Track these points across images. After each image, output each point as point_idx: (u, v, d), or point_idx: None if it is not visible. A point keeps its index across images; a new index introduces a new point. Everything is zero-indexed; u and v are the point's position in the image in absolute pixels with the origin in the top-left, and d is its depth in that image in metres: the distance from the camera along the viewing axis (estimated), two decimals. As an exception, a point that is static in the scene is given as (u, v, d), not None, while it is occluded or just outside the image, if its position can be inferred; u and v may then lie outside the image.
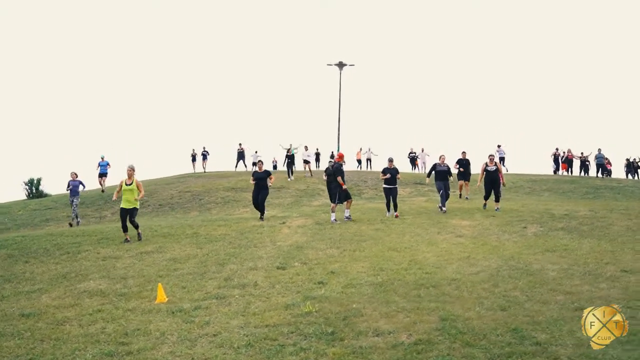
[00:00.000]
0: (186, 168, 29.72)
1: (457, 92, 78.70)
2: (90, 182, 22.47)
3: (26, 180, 29.62)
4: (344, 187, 12.83)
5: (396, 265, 7.82)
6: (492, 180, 13.93)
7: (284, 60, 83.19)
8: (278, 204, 18.44)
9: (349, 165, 28.92)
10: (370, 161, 31.41)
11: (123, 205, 10.88)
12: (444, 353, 4.35)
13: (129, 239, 10.76)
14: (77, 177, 16.42)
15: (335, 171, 12.84)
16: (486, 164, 14.15)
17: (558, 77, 76.84)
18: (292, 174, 23.61)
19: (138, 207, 11.02)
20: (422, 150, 30.08)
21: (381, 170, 14.21)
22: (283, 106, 79.87)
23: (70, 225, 15.96)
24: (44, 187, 29.47)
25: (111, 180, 23.12)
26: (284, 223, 12.72)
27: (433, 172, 14.36)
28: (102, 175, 21.60)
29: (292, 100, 79.40)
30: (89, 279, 7.78)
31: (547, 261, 7.78)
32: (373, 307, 5.74)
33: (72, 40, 78.76)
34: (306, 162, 24.79)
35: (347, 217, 12.82)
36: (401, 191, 18.70)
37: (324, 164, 20.89)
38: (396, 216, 13.05)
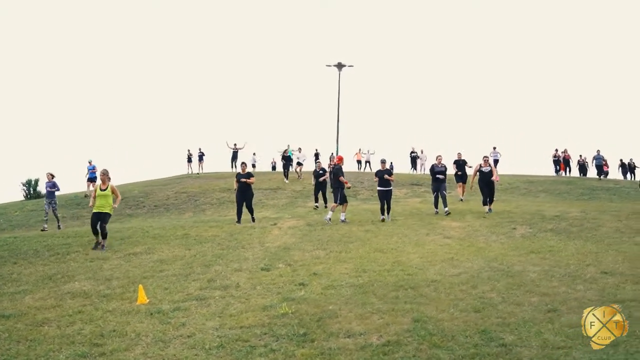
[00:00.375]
0: (184, 169, 29.74)
1: (456, 93, 78.74)
2: (81, 186, 22.65)
3: (24, 181, 29.74)
4: (348, 185, 13.26)
5: (379, 267, 7.84)
6: (487, 182, 13.94)
7: (283, 60, 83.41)
8: (272, 205, 18.50)
9: (349, 166, 28.92)
10: (369, 163, 31.21)
11: (95, 209, 10.38)
12: (410, 355, 4.37)
13: (100, 242, 10.19)
14: (53, 177, 15.33)
15: (336, 173, 13.14)
16: (480, 165, 14.16)
17: (557, 78, 76.72)
18: (288, 176, 23.68)
19: (111, 213, 10.55)
20: (422, 152, 30.01)
21: (374, 173, 14.27)
22: (282, 107, 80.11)
23: (44, 230, 14.55)
24: (42, 188, 29.57)
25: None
26: (275, 224, 12.77)
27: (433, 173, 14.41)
28: (91, 180, 21.32)
29: (291, 101, 79.63)
30: (74, 280, 7.81)
31: (530, 263, 7.77)
32: (349, 308, 5.77)
33: (69, 42, 79.13)
34: (299, 164, 24.85)
35: (342, 220, 12.86)
36: (397, 192, 18.69)
37: (324, 164, 20.78)
38: (382, 220, 12.96)
